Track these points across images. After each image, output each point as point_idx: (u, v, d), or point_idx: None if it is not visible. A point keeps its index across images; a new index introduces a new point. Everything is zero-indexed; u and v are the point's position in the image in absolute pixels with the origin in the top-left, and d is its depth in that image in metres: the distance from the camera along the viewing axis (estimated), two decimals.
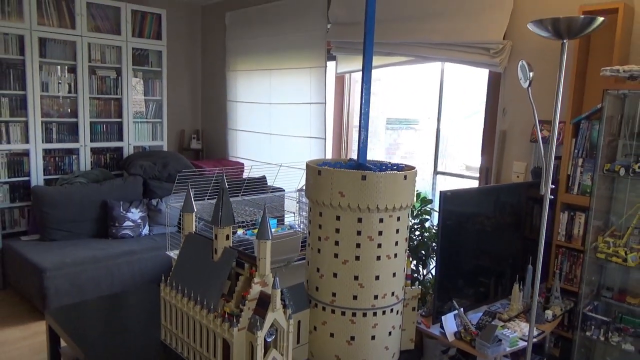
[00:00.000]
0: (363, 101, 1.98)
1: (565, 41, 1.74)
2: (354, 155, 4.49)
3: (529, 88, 1.82)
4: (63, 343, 2.35)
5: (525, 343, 2.08)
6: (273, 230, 4.05)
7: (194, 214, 2.16)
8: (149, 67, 5.01)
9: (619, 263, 2.25)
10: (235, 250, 1.91)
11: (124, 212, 4.08)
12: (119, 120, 4.83)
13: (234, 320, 1.72)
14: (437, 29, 3.16)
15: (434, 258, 2.75)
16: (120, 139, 4.86)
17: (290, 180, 4.43)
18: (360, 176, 1.77)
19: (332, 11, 3.94)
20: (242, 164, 5.12)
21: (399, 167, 2.02)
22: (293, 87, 4.43)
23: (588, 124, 2.50)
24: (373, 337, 1.89)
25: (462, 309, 2.15)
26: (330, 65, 4.15)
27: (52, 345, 2.36)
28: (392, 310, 1.92)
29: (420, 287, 2.08)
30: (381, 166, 2.03)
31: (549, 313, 2.36)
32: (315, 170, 1.88)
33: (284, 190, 4.33)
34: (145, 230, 4.17)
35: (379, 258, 1.85)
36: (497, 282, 2.52)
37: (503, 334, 2.02)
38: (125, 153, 4.88)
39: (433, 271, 2.76)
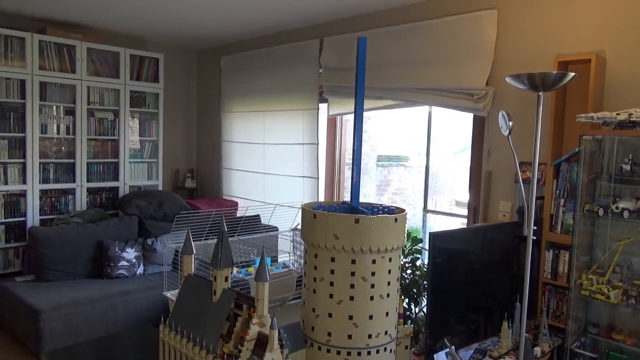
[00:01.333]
0: (355, 146, 2.09)
1: (540, 93, 1.89)
2: (346, 193, 4.60)
3: (510, 136, 1.96)
4: None
5: None
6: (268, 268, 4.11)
7: (193, 255, 2.23)
8: (146, 108, 5.15)
9: (603, 300, 2.34)
10: (234, 292, 1.98)
11: (119, 251, 4.12)
12: (115, 160, 4.93)
13: None
14: (424, 75, 3.33)
15: (425, 296, 2.82)
16: (116, 178, 4.95)
17: (283, 219, 4.51)
18: (353, 220, 1.87)
19: (324, 57, 4.13)
20: (237, 203, 5.21)
21: (389, 210, 2.12)
22: (286, 128, 4.58)
23: (568, 165, 2.64)
24: None
25: (453, 347, 2.21)
26: (323, 106, 4.31)
27: None
28: (385, 349, 1.99)
29: (412, 325, 2.15)
30: (373, 209, 2.13)
31: (537, 350, 2.42)
32: (310, 213, 1.97)
33: (277, 229, 4.41)
34: (140, 270, 4.20)
35: (372, 298, 1.92)
36: (486, 319, 2.60)
37: None
38: (121, 192, 4.96)
39: (425, 309, 2.83)
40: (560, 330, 2.61)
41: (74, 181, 4.65)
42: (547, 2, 2.86)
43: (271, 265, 3.98)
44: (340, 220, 1.89)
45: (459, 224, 5.96)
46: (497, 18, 3.03)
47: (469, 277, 2.51)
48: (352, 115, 4.36)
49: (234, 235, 3.67)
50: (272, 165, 4.79)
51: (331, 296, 1.94)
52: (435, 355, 2.19)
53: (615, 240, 2.45)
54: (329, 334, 1.95)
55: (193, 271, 2.23)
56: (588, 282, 2.41)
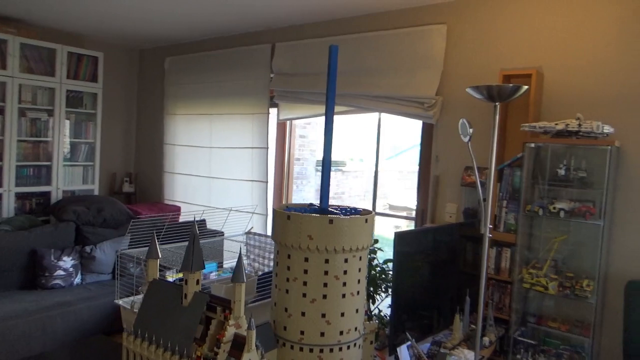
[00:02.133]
0: (324, 150, 2.16)
1: (497, 104, 2.07)
2: (295, 195, 4.66)
3: (469, 142, 2.12)
4: None
5: None
6: (215, 274, 4.06)
7: (158, 260, 2.18)
8: (83, 109, 4.90)
9: (542, 291, 2.58)
10: (207, 295, 1.97)
11: (55, 260, 3.88)
12: (47, 163, 4.64)
13: None
14: (377, 83, 3.48)
15: (380, 294, 2.94)
16: (49, 183, 4.66)
17: (230, 224, 4.47)
18: (327, 220, 1.93)
19: (276, 62, 4.17)
20: (179, 208, 5.08)
21: (357, 211, 2.21)
22: (235, 132, 4.55)
23: (510, 170, 2.88)
24: None
25: (414, 340, 2.34)
26: (273, 111, 4.34)
27: None
28: (355, 345, 2.06)
29: (377, 321, 2.24)
30: (342, 210, 2.20)
31: (485, 339, 2.61)
32: (284, 215, 2.01)
33: (223, 234, 4.36)
34: (78, 280, 3.98)
35: (344, 296, 1.99)
36: (439, 314, 2.76)
37: None
38: (53, 198, 4.67)
39: (380, 306, 2.94)
40: (503, 321, 2.83)
41: (1, 186, 4.32)
42: (493, 20, 3.10)
43: (218, 271, 3.94)
44: (315, 221, 1.94)
45: (404, 225, 6.20)
46: (446, 32, 3.24)
47: (425, 275, 2.65)
48: (302, 120, 4.43)
49: (173, 242, 3.59)
50: (219, 169, 4.73)
51: (304, 295, 1.98)
52: (398, 349, 2.30)
53: (551, 238, 2.71)
54: (302, 333, 1.99)
55: (157, 276, 2.18)
56: (529, 276, 2.65)
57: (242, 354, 1.78)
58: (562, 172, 2.68)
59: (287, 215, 2.00)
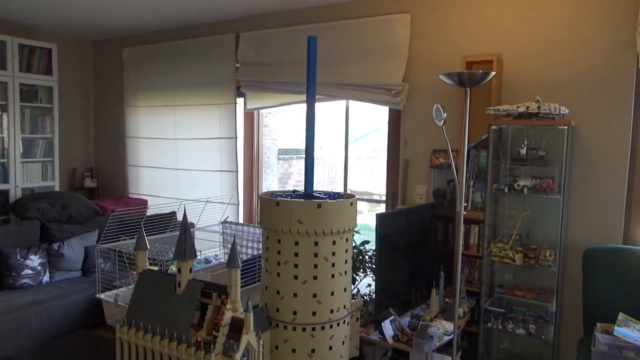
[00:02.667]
0: (307, 138, 2.24)
1: (468, 89, 2.20)
2: (264, 185, 4.70)
3: (444, 126, 2.25)
4: None
5: (448, 337, 2.46)
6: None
7: (146, 251, 2.20)
8: (38, 103, 4.72)
9: (509, 263, 2.78)
10: (201, 282, 2.01)
11: (22, 259, 3.77)
12: (3, 160, 4.46)
13: (210, 346, 1.83)
14: (344, 72, 3.56)
15: (359, 274, 3.06)
16: (6, 180, 4.49)
17: (203, 215, 4.47)
18: (316, 205, 2.02)
19: (241, 52, 4.17)
20: (146, 201, 5.01)
21: (340, 195, 2.30)
22: (201, 122, 4.53)
23: (476, 151, 3.05)
24: (330, 348, 2.11)
25: (396, 315, 2.48)
26: (240, 100, 4.35)
27: None
28: (344, 322, 2.17)
29: (362, 299, 2.36)
30: (326, 195, 2.29)
31: (459, 311, 2.79)
32: (272, 202, 2.08)
33: (194, 225, 4.36)
34: (47, 278, 3.88)
35: (333, 276, 2.09)
36: (416, 290, 2.92)
37: (432, 332, 2.38)
38: (12, 196, 4.50)
39: (359, 286, 3.07)
40: (474, 293, 3.02)
41: None
42: (454, 9, 3.24)
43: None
44: (304, 206, 2.02)
45: (366, 211, 6.35)
46: (410, 21, 3.36)
47: (403, 254, 2.80)
48: (270, 109, 4.45)
49: (155, 234, 3.58)
50: (187, 160, 4.70)
51: (296, 277, 2.07)
52: (382, 324, 2.43)
53: (515, 213, 2.91)
54: (295, 313, 2.08)
55: (147, 266, 2.20)
56: (497, 250, 2.84)
57: (241, 335, 1.85)
58: (523, 151, 2.87)
59: (275, 202, 2.07)
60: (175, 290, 2.04)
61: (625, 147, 2.78)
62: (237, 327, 1.88)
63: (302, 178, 7.66)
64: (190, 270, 2.05)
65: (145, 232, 3.68)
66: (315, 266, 2.06)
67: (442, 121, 2.22)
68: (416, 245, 2.95)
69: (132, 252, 3.17)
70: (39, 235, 4.05)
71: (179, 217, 4.63)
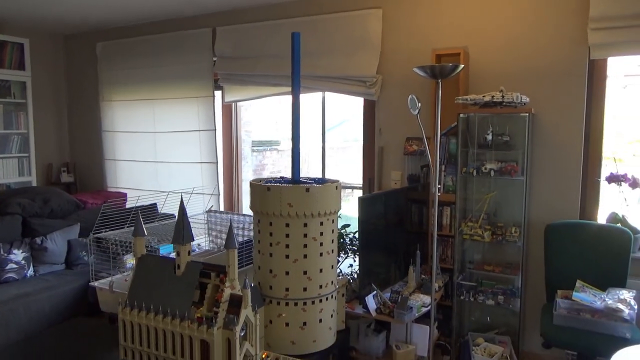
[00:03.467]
0: (293, 128, 2.40)
1: (439, 80, 2.41)
2: (244, 175, 4.83)
3: (418, 115, 2.45)
4: None
5: (426, 309, 2.69)
6: (173, 254, 4.19)
7: (144, 237, 2.32)
8: (11, 98, 4.70)
9: (479, 240, 3.03)
10: (200, 263, 2.16)
11: (5, 254, 3.80)
12: None
13: (212, 321, 1.99)
14: (320, 65, 3.72)
15: (341, 255, 3.26)
16: None
17: (187, 205, 4.55)
18: (304, 189, 2.19)
19: (218, 46, 4.27)
20: (125, 194, 5.06)
21: (324, 181, 2.48)
22: (180, 115, 4.61)
23: (446, 138, 3.28)
24: (320, 321, 2.30)
25: (378, 290, 2.68)
26: (218, 93, 4.45)
27: None
28: (332, 297, 2.36)
29: (346, 276, 2.55)
30: (312, 180, 2.46)
31: (435, 285, 3.02)
32: (263, 188, 2.24)
33: (174, 216, 4.45)
34: (31, 272, 3.92)
35: (321, 254, 2.27)
36: (395, 268, 3.13)
37: (412, 304, 2.60)
38: None
39: (341, 267, 3.26)
40: (447, 270, 3.26)
41: None
42: (423, 5, 3.43)
43: (173, 252, 4.06)
44: (294, 191, 2.19)
45: (349, 198, 6.54)
46: (382, 16, 3.54)
47: (382, 234, 3.00)
48: (247, 101, 4.56)
49: (124, 227, 3.64)
50: (166, 153, 4.77)
51: (287, 257, 2.24)
52: (366, 298, 2.63)
53: (483, 194, 3.16)
54: (287, 289, 2.25)
55: (145, 252, 2.33)
56: (467, 228, 3.08)
57: (240, 310, 2.01)
58: (489, 137, 3.11)
59: (267, 187, 2.23)
60: (174, 271, 2.18)
61: (580, 131, 3.06)
62: (236, 303, 2.04)
63: (275, 169, 7.77)
64: (189, 253, 2.19)
65: (128, 224, 3.78)
66: (305, 246, 2.24)
67: (417, 110, 2.42)
68: (393, 226, 3.16)
69: (125, 241, 3.27)
70: (21, 230, 4.07)
71: (160, 209, 4.72)
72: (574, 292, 2.59)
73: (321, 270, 2.28)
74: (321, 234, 2.26)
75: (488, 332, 3.10)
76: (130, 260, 4.07)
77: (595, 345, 2.40)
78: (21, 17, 4.65)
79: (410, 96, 2.43)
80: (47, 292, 3.63)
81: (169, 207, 4.59)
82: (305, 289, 2.25)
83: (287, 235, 2.22)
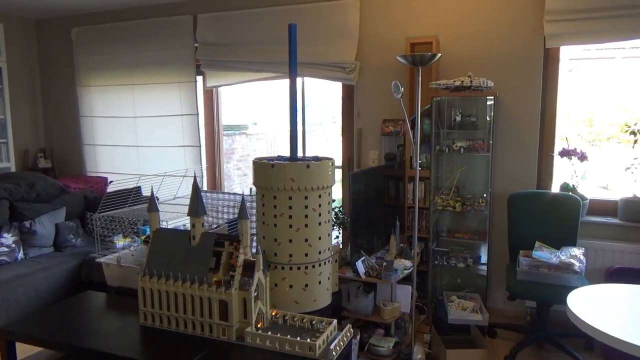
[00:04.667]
0: (290, 112, 2.65)
1: (419, 68, 2.72)
2: (228, 155, 5.02)
3: (401, 99, 2.76)
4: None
5: (408, 270, 3.04)
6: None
7: (158, 213, 2.54)
8: None
9: (451, 210, 3.40)
10: (214, 233, 2.40)
11: None
12: None
13: (229, 283, 2.25)
14: (302, 51, 3.96)
15: None
16: None
17: (166, 188, 4.72)
18: (305, 165, 2.46)
19: (200, 33, 4.42)
20: (106, 179, 5.16)
21: (319, 159, 2.75)
22: (161, 100, 4.74)
23: (421, 120, 3.61)
24: (320, 282, 2.60)
25: (366, 256, 3.01)
26: (199, 78, 4.61)
27: None
28: (328, 261, 2.66)
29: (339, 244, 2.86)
30: (309, 158, 2.73)
31: (413, 252, 3.38)
32: (267, 165, 2.49)
33: (159, 199, 4.63)
34: (21, 254, 4.02)
35: (320, 224, 2.56)
36: (377, 237, 3.46)
37: (396, 266, 2.94)
38: None
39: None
40: (422, 239, 3.63)
41: None
42: None
43: None
44: (296, 167, 2.46)
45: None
46: (359, 5, 3.81)
47: (365, 208, 3.32)
48: (229, 86, 4.71)
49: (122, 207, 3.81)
50: (147, 137, 4.90)
51: (290, 226, 2.51)
52: (356, 263, 2.95)
53: (454, 170, 3.53)
54: (290, 256, 2.53)
55: (159, 226, 2.54)
56: (440, 200, 3.44)
57: (253, 273, 2.28)
58: (458, 118, 3.47)
59: (271, 164, 2.48)
60: (190, 242, 2.42)
61: (537, 111, 3.46)
62: (248, 267, 2.31)
63: (245, 152, 7.99)
64: (202, 225, 2.43)
65: (112, 206, 3.94)
66: (306, 216, 2.51)
67: (400, 94, 2.72)
68: (373, 201, 3.48)
69: (132, 218, 3.44)
70: (9, 215, 4.14)
71: (143, 192, 4.87)
72: (533, 251, 3.00)
73: (320, 238, 2.57)
74: (319, 205, 2.54)
75: (460, 291, 3.50)
76: (119, 241, 4.24)
77: (552, 295, 2.81)
78: None
79: (393, 82, 2.72)
80: (42, 273, 3.76)
81: (155, 190, 4.75)
82: (306, 255, 2.54)
83: (290, 207, 2.49)
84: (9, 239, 3.95)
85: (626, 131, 3.45)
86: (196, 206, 2.37)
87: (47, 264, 3.89)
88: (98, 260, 3.08)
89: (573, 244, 3.12)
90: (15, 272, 3.64)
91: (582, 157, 3.34)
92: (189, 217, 3.98)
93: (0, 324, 3.39)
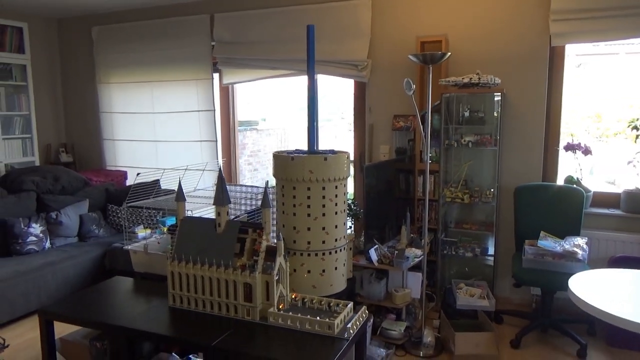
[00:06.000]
0: (310, 103, 2.81)
1: (429, 66, 2.87)
2: (239, 150, 5.19)
3: (413, 95, 2.91)
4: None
5: (418, 258, 3.20)
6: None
7: (185, 202, 2.71)
8: (13, 81, 4.88)
9: (460, 202, 3.55)
10: (239, 221, 2.57)
11: (26, 227, 4.09)
12: None
13: (253, 267, 2.42)
14: (316, 49, 4.11)
15: None
16: None
17: (184, 182, 4.89)
18: (323, 158, 2.63)
19: (216, 32, 4.59)
20: (125, 172, 5.35)
21: (334, 152, 2.91)
22: (179, 97, 4.92)
23: (430, 115, 3.76)
24: (336, 268, 2.77)
25: (379, 244, 3.17)
26: (216, 75, 4.78)
27: (47, 341, 2.61)
28: (344, 249, 2.83)
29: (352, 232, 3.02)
30: (326, 152, 2.89)
31: (423, 242, 3.54)
32: (287, 158, 2.66)
33: (174, 192, 4.79)
34: (48, 244, 4.22)
35: (336, 213, 2.72)
36: (388, 228, 3.63)
37: (408, 254, 3.10)
38: None
39: None
40: (431, 230, 3.78)
41: None
42: None
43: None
44: (314, 159, 2.63)
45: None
46: (371, 5, 3.96)
47: (377, 199, 3.48)
48: (245, 83, 4.88)
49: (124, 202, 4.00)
50: (165, 133, 5.08)
51: (309, 215, 2.68)
52: (369, 251, 3.12)
53: (462, 163, 3.68)
54: (309, 243, 2.70)
55: (185, 214, 2.72)
56: (449, 192, 3.60)
57: (275, 258, 2.45)
58: (467, 114, 3.62)
59: (290, 157, 2.65)
60: (215, 229, 2.59)
61: (542, 107, 3.59)
62: (271, 252, 2.48)
63: (255, 148, 8.22)
64: (227, 213, 2.60)
65: (153, 195, 4.12)
66: (324, 206, 2.68)
67: (412, 91, 2.87)
68: (386, 193, 3.64)
69: (161, 208, 3.61)
70: (36, 206, 4.35)
71: (162, 186, 5.06)
72: (538, 241, 3.15)
73: (336, 227, 2.73)
74: (336, 195, 2.71)
75: (467, 280, 3.66)
76: (140, 232, 4.44)
77: (556, 282, 2.96)
78: (17, 0, 4.81)
79: (405, 79, 2.88)
80: (69, 261, 3.97)
81: (171, 183, 4.93)
82: (323, 242, 2.70)
83: (309, 198, 2.66)
84: (37, 229, 4.15)
85: (628, 126, 3.58)
86: (221, 195, 2.55)
87: (73, 252, 4.10)
88: (126, 247, 3.26)
89: (577, 234, 3.27)
90: (44, 260, 3.85)
91: (586, 151, 3.48)
92: (210, 208, 4.19)
93: (32, 308, 3.60)
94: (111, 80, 5.30)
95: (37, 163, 5.09)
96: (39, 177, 4.45)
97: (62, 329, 3.09)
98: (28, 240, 4.06)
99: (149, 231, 4.47)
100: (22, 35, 4.86)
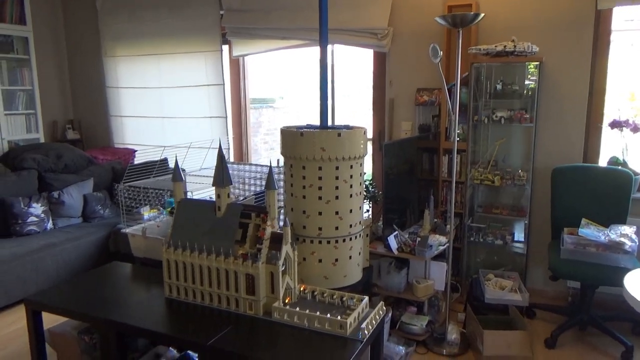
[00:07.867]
0: (322, 73, 2.49)
1: (459, 30, 2.51)
2: (255, 128, 4.91)
3: (440, 64, 2.56)
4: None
5: (443, 247, 2.89)
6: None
7: (181, 182, 2.44)
8: (14, 54, 4.66)
9: (490, 184, 3.21)
10: (240, 204, 2.29)
11: (26, 207, 3.89)
12: None
13: (256, 257, 2.14)
14: (332, 17, 3.76)
15: None
16: None
17: (191, 160, 4.65)
18: (337, 134, 2.31)
19: None
20: (133, 150, 5.12)
21: (350, 127, 2.60)
22: (187, 70, 4.63)
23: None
24: (350, 257, 2.47)
25: (399, 230, 2.87)
26: (225, 47, 4.47)
27: (35, 332, 2.40)
28: (359, 236, 2.53)
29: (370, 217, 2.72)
30: (340, 127, 2.58)
31: (448, 227, 3.22)
32: (296, 133, 2.35)
33: (185, 171, 4.56)
34: (50, 224, 4.03)
35: (351, 196, 2.42)
36: (410, 212, 3.31)
37: (431, 242, 2.79)
38: None
39: None
40: (457, 214, 3.45)
41: None
42: None
43: None
44: (326, 135, 2.31)
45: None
46: None
47: (398, 181, 3.16)
48: (256, 56, 4.56)
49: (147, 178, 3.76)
50: (173, 108, 4.82)
51: (320, 198, 2.38)
52: (388, 238, 2.81)
53: (493, 141, 3.32)
54: (320, 229, 2.41)
55: (184, 196, 2.45)
56: (477, 174, 3.25)
57: (281, 246, 2.16)
58: (499, 87, 3.25)
59: (300, 132, 2.34)
60: (215, 213, 2.32)
61: (586, 80, 3.20)
62: (276, 240, 2.19)
63: (272, 126, 7.87)
64: (228, 195, 2.32)
65: (138, 177, 3.88)
66: (337, 188, 2.38)
67: (438, 59, 2.52)
68: (407, 174, 3.32)
69: (161, 189, 3.38)
70: (37, 185, 4.15)
71: (171, 164, 4.82)
72: (579, 229, 2.80)
73: (351, 211, 2.43)
74: (351, 176, 2.40)
75: (496, 270, 3.33)
76: (146, 212, 4.21)
77: (600, 276, 2.62)
78: None
79: (432, 45, 2.52)
80: (71, 243, 3.77)
81: (181, 161, 4.68)
82: (337, 228, 2.41)
83: (320, 178, 2.36)
84: (38, 208, 3.96)
85: None
86: (221, 175, 2.26)
87: (76, 234, 3.90)
88: (123, 231, 3.03)
89: (623, 222, 2.91)
90: (44, 242, 3.65)
91: (636, 129, 3.09)
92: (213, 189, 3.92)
93: (29, 292, 3.42)
94: (117, 54, 5.03)
95: (42, 140, 4.89)
96: (40, 155, 4.24)
97: (55, 319, 2.89)
98: (28, 220, 3.87)
99: (155, 212, 4.25)
100: (23, 5, 4.61)
